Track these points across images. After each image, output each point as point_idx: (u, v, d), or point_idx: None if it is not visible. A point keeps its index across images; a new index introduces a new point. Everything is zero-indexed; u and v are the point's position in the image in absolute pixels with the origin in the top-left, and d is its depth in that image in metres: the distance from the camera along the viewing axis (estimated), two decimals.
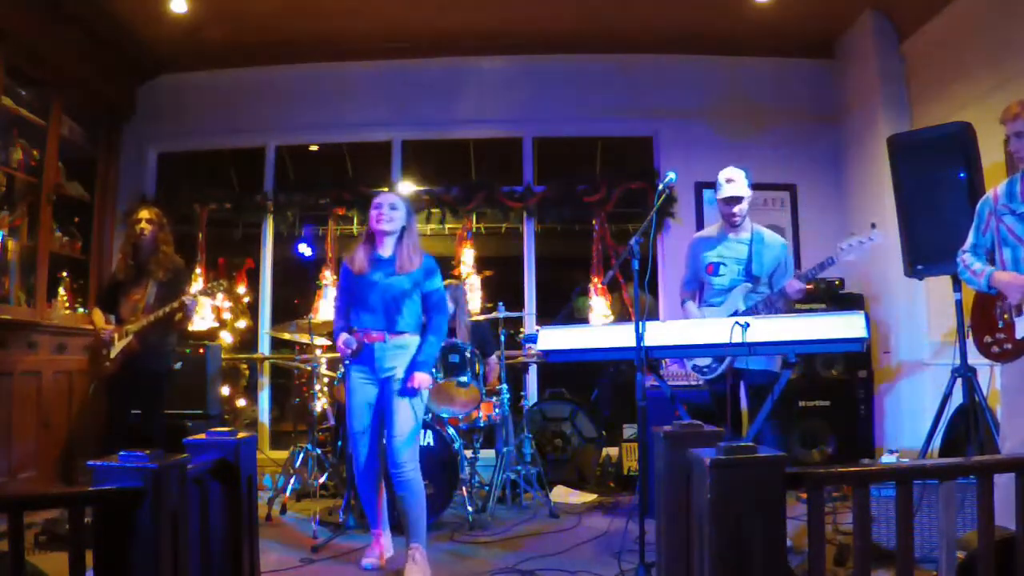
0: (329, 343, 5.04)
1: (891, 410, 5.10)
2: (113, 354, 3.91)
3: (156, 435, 3.94)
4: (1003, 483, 1.83)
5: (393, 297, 3.07)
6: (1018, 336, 2.65)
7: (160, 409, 4.15)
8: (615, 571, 3.01)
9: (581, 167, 6.28)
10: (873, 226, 3.33)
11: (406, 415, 3.06)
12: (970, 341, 2.99)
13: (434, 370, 4.09)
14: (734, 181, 3.48)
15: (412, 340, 3.13)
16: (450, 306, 4.53)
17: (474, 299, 5.56)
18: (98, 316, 4.12)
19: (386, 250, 3.13)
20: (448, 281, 4.86)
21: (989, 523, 1.78)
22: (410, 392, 3.05)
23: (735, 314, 3.40)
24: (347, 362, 3.18)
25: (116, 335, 3.94)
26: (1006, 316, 2.70)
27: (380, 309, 3.08)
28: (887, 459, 3.28)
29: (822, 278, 5.21)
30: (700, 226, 5.59)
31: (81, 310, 5.07)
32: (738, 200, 3.48)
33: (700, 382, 3.71)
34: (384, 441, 3.14)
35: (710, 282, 3.61)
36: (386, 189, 5.79)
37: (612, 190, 5.71)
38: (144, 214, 4.13)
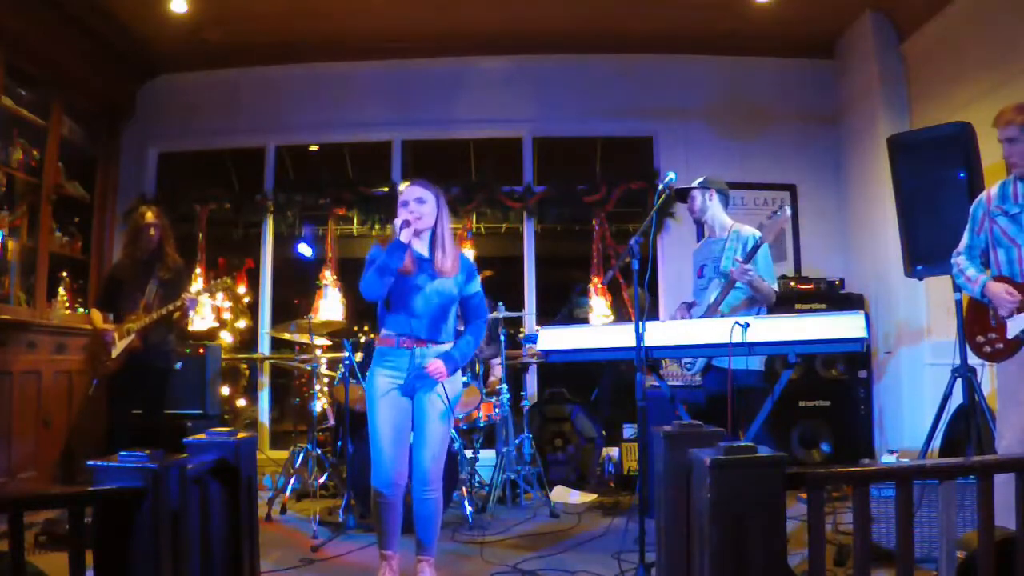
0: (329, 343, 5.04)
1: (891, 410, 5.10)
2: (115, 353, 3.93)
3: (161, 432, 3.96)
4: (1003, 483, 1.83)
5: (441, 305, 2.81)
6: (1009, 336, 2.68)
7: (163, 407, 4.18)
8: (615, 571, 3.01)
9: (581, 167, 6.29)
10: (781, 206, 3.42)
11: (439, 431, 2.79)
12: None
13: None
14: (695, 182, 3.73)
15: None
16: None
17: None
18: (97, 316, 4.12)
19: (422, 248, 2.84)
20: None
21: (989, 523, 1.78)
22: (432, 381, 2.77)
23: (707, 307, 3.50)
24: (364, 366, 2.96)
25: (117, 335, 3.96)
26: (998, 316, 2.74)
27: (426, 316, 2.79)
28: (887, 459, 3.28)
29: (822, 278, 5.26)
30: (700, 227, 5.59)
31: (81, 310, 5.07)
32: (686, 194, 3.71)
33: (698, 381, 3.73)
34: (413, 456, 2.83)
35: (698, 285, 3.72)
36: (386, 189, 5.78)
37: (612, 190, 5.71)
38: (150, 215, 4.14)
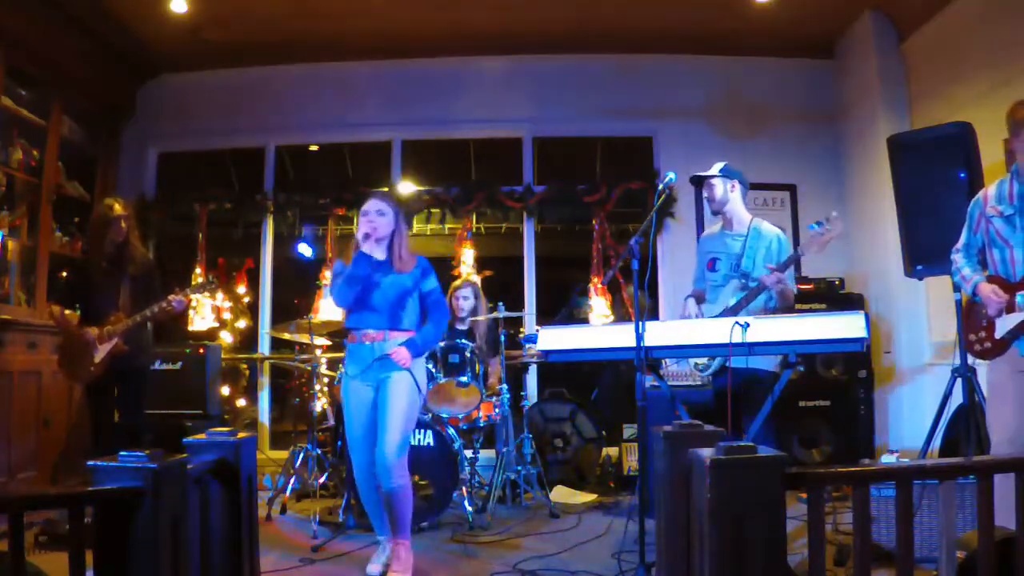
0: (329, 343, 5.04)
1: (891, 410, 5.10)
2: (99, 358, 3.68)
3: (143, 433, 3.83)
4: (1003, 483, 1.83)
5: (397, 295, 3.06)
6: (996, 336, 2.73)
7: (144, 407, 3.95)
8: (615, 571, 3.02)
9: (581, 167, 6.29)
10: (834, 215, 3.30)
11: (400, 419, 2.97)
12: None
13: (433, 369, 4.09)
14: (712, 168, 3.58)
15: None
16: (473, 302, 4.59)
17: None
18: (71, 316, 3.83)
19: (379, 254, 3.08)
20: (468, 279, 4.89)
21: (989, 523, 1.78)
22: (396, 365, 2.97)
23: (725, 310, 3.41)
24: (343, 367, 3.12)
25: (98, 339, 3.70)
26: (987, 316, 2.79)
27: (384, 308, 3.05)
28: (887, 459, 3.27)
29: (822, 278, 5.25)
30: (700, 226, 5.60)
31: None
32: (703, 182, 3.59)
33: (706, 380, 3.70)
34: (376, 444, 3.02)
35: (709, 279, 3.61)
36: (386, 189, 5.78)
37: (612, 190, 5.71)
38: (118, 208, 3.84)
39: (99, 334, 3.71)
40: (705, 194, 3.64)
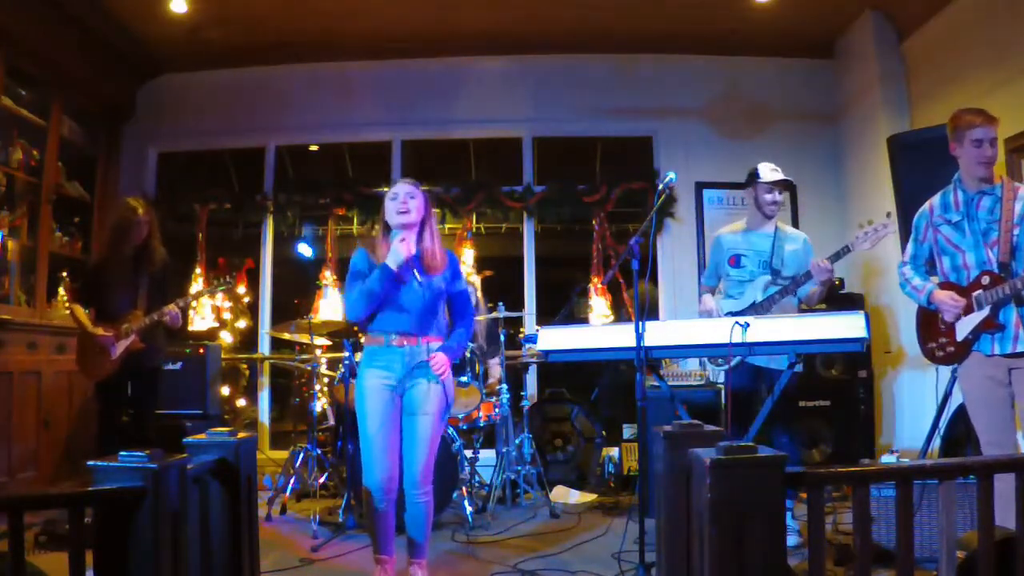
0: (329, 343, 5.04)
1: (891, 410, 5.10)
2: (116, 355, 3.77)
3: (151, 434, 3.85)
4: (1003, 483, 1.83)
5: (431, 300, 2.82)
6: (958, 339, 2.79)
7: (155, 407, 4.01)
8: (615, 571, 3.02)
9: (581, 167, 6.28)
10: (888, 215, 3.35)
11: (431, 431, 2.78)
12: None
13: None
14: (778, 170, 3.65)
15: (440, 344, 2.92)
16: (474, 302, 4.58)
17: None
18: (85, 314, 3.87)
19: (410, 246, 2.84)
20: (468, 279, 4.89)
21: (989, 523, 1.78)
22: (434, 375, 2.79)
23: (753, 304, 3.50)
24: (349, 362, 3.02)
25: (116, 336, 3.79)
26: (945, 321, 2.85)
27: (415, 312, 2.79)
28: (887, 459, 3.27)
29: None
30: (700, 226, 5.60)
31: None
32: (785, 184, 3.64)
33: (699, 381, 3.72)
34: (404, 456, 2.83)
35: (731, 275, 3.66)
36: (386, 189, 5.77)
37: (612, 190, 5.71)
38: (141, 210, 3.90)
39: (117, 332, 3.78)
40: (778, 198, 3.67)
